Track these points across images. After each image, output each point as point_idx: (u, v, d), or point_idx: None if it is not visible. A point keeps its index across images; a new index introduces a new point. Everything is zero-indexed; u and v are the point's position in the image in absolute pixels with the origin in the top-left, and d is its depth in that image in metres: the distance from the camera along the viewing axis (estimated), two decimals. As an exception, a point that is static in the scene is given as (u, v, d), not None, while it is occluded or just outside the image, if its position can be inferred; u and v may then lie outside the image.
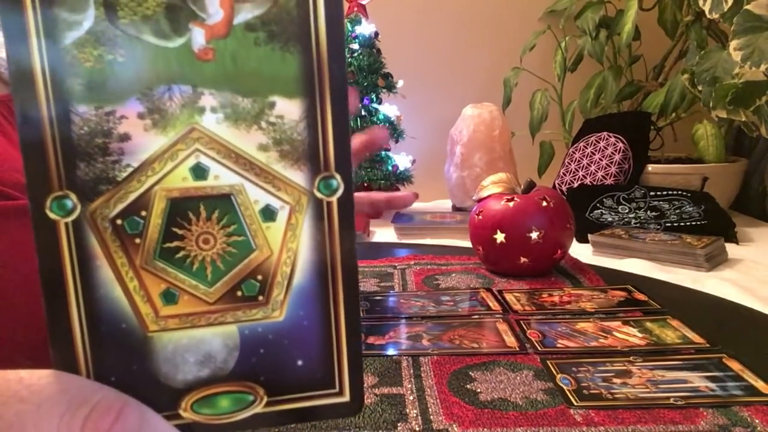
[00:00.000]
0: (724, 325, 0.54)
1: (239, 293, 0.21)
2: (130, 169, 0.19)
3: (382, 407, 0.39)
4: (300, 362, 0.21)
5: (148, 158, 0.19)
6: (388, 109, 2.16)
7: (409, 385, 0.42)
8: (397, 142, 2.18)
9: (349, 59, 2.07)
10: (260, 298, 0.21)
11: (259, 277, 0.21)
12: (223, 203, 0.20)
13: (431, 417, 0.37)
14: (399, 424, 0.37)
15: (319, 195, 0.21)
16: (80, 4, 0.18)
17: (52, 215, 0.19)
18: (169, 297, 0.20)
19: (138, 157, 0.19)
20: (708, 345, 0.47)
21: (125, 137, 0.19)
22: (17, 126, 0.18)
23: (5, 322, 0.37)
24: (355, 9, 2.12)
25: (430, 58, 2.47)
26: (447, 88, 2.47)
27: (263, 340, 0.21)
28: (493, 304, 0.58)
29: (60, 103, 0.19)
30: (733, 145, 2.21)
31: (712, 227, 1.61)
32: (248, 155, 0.20)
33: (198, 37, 0.19)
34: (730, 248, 1.50)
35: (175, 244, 0.20)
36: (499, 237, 0.68)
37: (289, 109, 0.20)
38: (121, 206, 0.19)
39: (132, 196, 0.19)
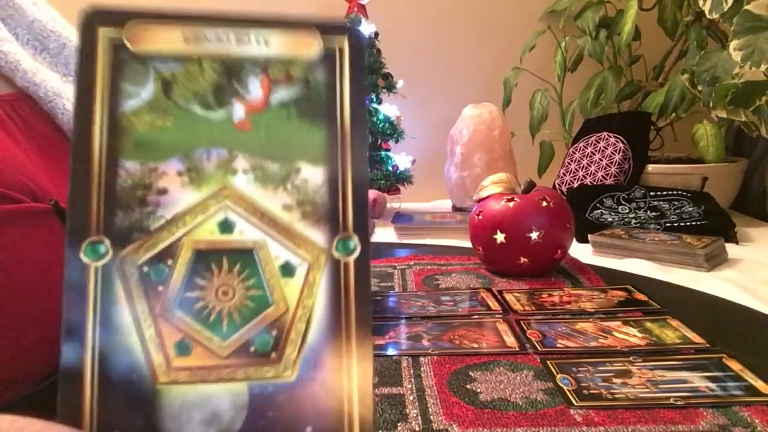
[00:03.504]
0: (724, 325, 0.54)
1: (252, 349, 0.21)
2: (163, 220, 0.21)
3: (382, 407, 0.39)
4: (309, 429, 0.21)
5: (181, 211, 0.21)
6: (388, 109, 2.15)
7: (409, 385, 0.42)
8: (397, 142, 2.18)
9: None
10: (273, 355, 0.21)
11: (274, 333, 0.21)
12: (245, 257, 0.21)
13: (431, 417, 0.37)
14: (399, 424, 0.37)
15: (336, 255, 0.22)
16: (141, 79, 0.21)
17: (85, 259, 0.20)
18: (182, 348, 0.21)
19: (172, 209, 0.21)
20: (708, 345, 0.47)
21: (163, 191, 0.21)
22: (70, 173, 0.20)
23: (7, 331, 0.35)
24: (355, 9, 2.12)
25: (430, 58, 2.47)
26: (447, 88, 2.47)
27: (273, 402, 0.21)
28: (493, 304, 0.58)
29: (110, 158, 0.20)
30: (733, 145, 2.21)
31: (712, 227, 1.61)
32: (273, 214, 0.21)
33: (238, 110, 0.22)
34: (730, 248, 1.50)
35: (196, 293, 0.21)
36: (499, 237, 0.68)
37: (313, 174, 0.22)
38: (150, 254, 0.21)
39: (161, 246, 0.21)
